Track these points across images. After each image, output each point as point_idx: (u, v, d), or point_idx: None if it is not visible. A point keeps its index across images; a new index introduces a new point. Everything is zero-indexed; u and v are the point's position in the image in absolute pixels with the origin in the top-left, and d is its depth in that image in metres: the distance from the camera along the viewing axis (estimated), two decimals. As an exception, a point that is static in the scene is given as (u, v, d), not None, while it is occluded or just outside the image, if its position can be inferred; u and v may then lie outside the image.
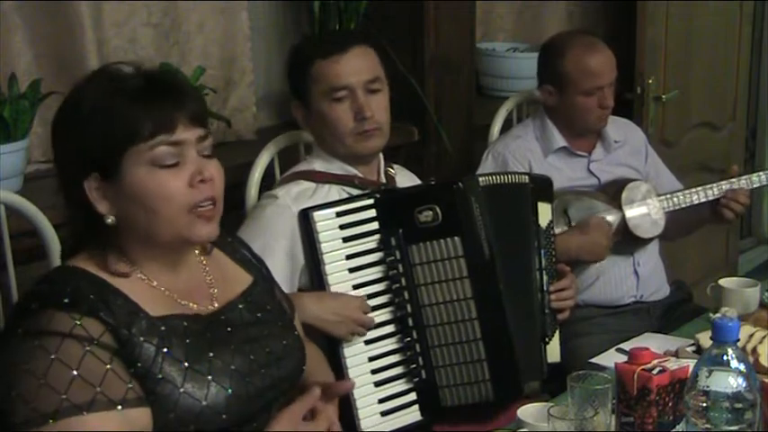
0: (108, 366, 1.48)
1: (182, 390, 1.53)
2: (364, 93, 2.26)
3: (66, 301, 1.50)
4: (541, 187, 2.40)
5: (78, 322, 1.48)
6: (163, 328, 1.56)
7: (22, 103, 2.44)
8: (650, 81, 3.69)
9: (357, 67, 2.26)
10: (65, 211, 1.65)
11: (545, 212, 2.36)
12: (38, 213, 2.17)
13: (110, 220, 1.58)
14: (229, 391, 1.58)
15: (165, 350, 1.54)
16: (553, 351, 2.36)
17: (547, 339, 2.33)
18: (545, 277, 2.34)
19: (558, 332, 2.38)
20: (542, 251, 2.34)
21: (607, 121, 2.88)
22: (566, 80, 2.81)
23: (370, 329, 2.18)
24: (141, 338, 1.52)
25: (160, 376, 1.52)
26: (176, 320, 1.59)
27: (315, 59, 2.27)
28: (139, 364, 1.51)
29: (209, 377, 1.56)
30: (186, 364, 1.55)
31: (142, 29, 2.86)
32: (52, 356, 1.46)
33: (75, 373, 1.46)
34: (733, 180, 2.87)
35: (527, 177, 2.37)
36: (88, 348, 1.48)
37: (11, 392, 1.47)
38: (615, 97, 2.88)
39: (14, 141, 2.43)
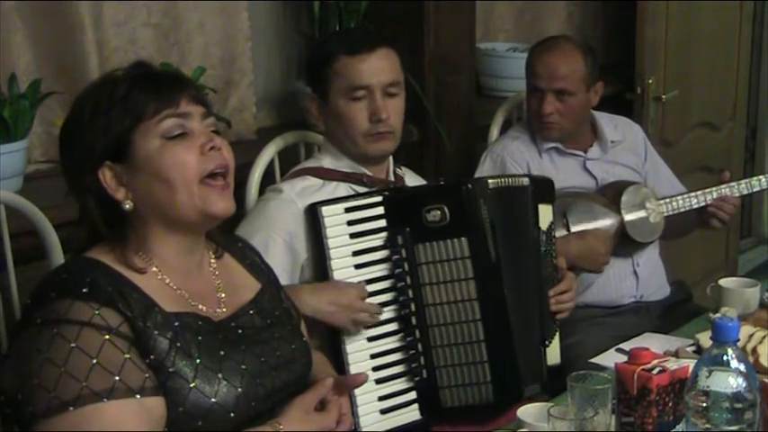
0: (126, 355, 1.50)
1: (192, 385, 1.54)
2: (382, 95, 2.27)
3: (84, 290, 1.51)
4: (541, 189, 2.38)
5: (97, 312, 1.50)
6: (176, 323, 1.58)
7: (22, 103, 2.44)
8: (650, 81, 3.69)
9: (380, 68, 2.27)
10: (78, 210, 1.66)
11: (546, 214, 2.35)
12: (38, 213, 2.16)
13: (128, 205, 1.60)
14: (239, 390, 1.59)
15: (179, 344, 1.55)
16: (553, 354, 2.35)
17: (547, 343, 2.32)
18: (545, 281, 2.32)
19: (557, 334, 2.37)
20: (543, 254, 2.32)
21: (548, 129, 2.84)
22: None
23: (372, 327, 2.17)
24: (156, 332, 1.54)
25: (172, 370, 1.53)
26: (189, 318, 1.61)
27: (340, 55, 2.27)
28: (153, 357, 1.53)
29: (220, 375, 1.57)
30: (198, 360, 1.56)
31: (142, 29, 2.86)
32: (72, 345, 1.48)
33: (94, 361, 1.47)
34: (732, 184, 2.84)
35: (527, 180, 2.34)
36: (107, 337, 1.49)
37: (31, 381, 1.48)
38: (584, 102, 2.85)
39: (14, 141, 2.43)
